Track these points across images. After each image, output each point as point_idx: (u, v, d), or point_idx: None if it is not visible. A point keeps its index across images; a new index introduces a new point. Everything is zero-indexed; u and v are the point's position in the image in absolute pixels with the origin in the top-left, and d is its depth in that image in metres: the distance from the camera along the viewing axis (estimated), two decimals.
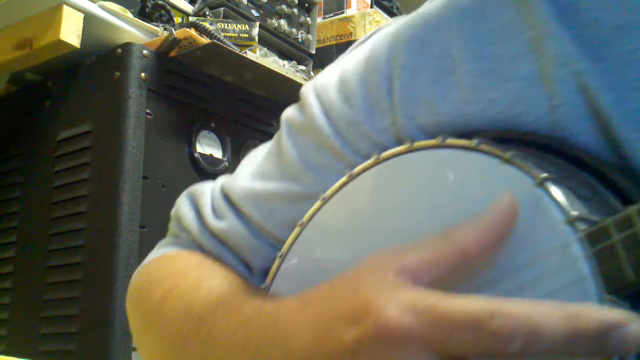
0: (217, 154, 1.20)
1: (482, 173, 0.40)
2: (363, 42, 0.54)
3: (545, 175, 0.35)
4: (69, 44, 1.05)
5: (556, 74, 0.41)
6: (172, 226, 0.61)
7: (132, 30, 1.13)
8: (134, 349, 0.97)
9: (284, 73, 1.27)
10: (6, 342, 1.12)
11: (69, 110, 1.14)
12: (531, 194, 0.35)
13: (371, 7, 1.79)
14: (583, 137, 0.40)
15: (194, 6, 1.30)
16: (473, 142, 0.40)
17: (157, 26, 1.17)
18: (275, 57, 1.38)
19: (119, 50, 1.08)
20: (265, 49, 1.37)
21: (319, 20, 1.68)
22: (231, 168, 1.20)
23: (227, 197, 0.56)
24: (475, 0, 0.47)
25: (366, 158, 0.48)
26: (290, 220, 0.51)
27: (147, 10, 1.21)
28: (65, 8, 1.04)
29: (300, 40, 1.53)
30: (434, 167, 0.43)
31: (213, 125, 1.20)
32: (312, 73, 1.45)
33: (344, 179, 0.48)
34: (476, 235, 0.33)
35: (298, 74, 1.36)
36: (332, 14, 1.74)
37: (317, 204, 0.50)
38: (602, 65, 0.41)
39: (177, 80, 1.15)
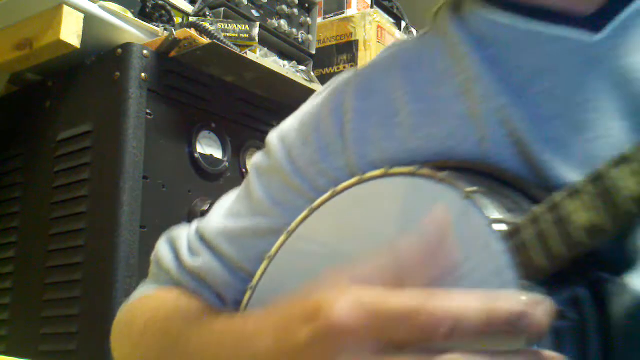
0: (217, 154, 1.20)
1: (420, 192, 0.46)
2: (322, 91, 0.62)
3: (472, 189, 0.42)
4: (69, 44, 1.05)
5: (482, 110, 0.49)
6: (152, 268, 0.66)
7: (132, 30, 1.13)
8: None
9: (284, 73, 1.27)
10: (6, 342, 1.13)
11: (69, 110, 1.14)
12: (460, 205, 0.42)
13: (371, 7, 1.79)
14: (508, 162, 0.47)
15: (194, 6, 1.30)
16: (413, 168, 0.47)
17: (157, 26, 1.17)
18: (275, 57, 1.38)
19: (119, 50, 1.08)
20: (265, 49, 1.37)
21: (319, 20, 1.68)
22: (231, 168, 1.21)
23: (201, 237, 0.62)
24: (415, 52, 0.56)
25: (325, 193, 0.54)
26: (259, 254, 0.57)
27: (147, 10, 1.21)
28: (65, 8, 1.04)
29: (300, 40, 1.53)
30: (381, 193, 0.50)
31: (213, 125, 1.20)
32: (312, 73, 1.45)
33: (305, 212, 0.54)
34: (412, 245, 0.37)
35: (298, 74, 1.36)
36: (332, 14, 1.74)
37: (282, 237, 0.55)
38: (522, 101, 0.48)
39: (177, 80, 1.15)
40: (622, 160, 0.34)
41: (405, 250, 0.37)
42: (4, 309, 1.15)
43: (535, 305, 0.32)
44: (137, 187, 1.03)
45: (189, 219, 1.11)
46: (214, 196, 1.15)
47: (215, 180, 1.18)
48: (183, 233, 0.64)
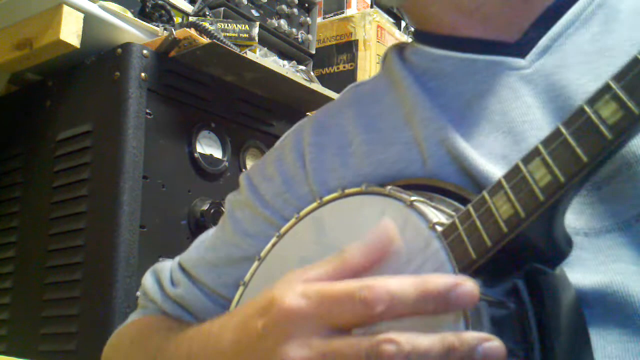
0: (217, 154, 1.20)
1: (370, 206, 0.52)
2: (285, 136, 0.69)
3: (413, 198, 0.46)
4: (69, 44, 1.05)
5: (423, 134, 0.54)
6: (140, 300, 0.73)
7: (132, 30, 1.13)
8: None
9: (284, 73, 1.27)
10: (6, 342, 1.13)
11: (69, 110, 1.14)
12: (404, 213, 0.46)
13: (371, 7, 1.79)
14: (451, 179, 0.52)
15: (194, 6, 1.30)
16: (362, 188, 0.54)
17: (157, 26, 1.17)
18: (275, 57, 1.38)
19: (119, 50, 1.08)
20: (265, 49, 1.37)
21: (319, 20, 1.68)
22: (231, 168, 1.21)
23: (183, 269, 0.69)
24: (366, 91, 0.64)
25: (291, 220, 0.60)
26: (235, 281, 0.63)
27: (147, 10, 1.21)
28: (65, 8, 1.04)
29: (300, 40, 1.53)
30: (338, 212, 0.56)
31: (213, 125, 1.20)
32: (312, 73, 1.45)
33: (273, 239, 0.60)
34: (358, 251, 0.41)
35: (298, 74, 1.36)
36: (332, 14, 1.74)
37: (255, 264, 0.61)
38: (464, 122, 0.54)
39: (177, 80, 1.15)
40: (534, 154, 0.38)
41: (351, 254, 0.41)
42: (4, 309, 1.15)
43: (463, 280, 0.36)
44: (137, 187, 1.03)
45: (189, 219, 1.11)
46: (214, 196, 1.15)
47: (215, 180, 1.18)
48: (166, 266, 0.71)
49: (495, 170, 0.50)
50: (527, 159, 0.38)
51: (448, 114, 0.55)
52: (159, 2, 1.23)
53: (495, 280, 0.40)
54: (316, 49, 1.58)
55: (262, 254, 0.60)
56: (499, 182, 0.39)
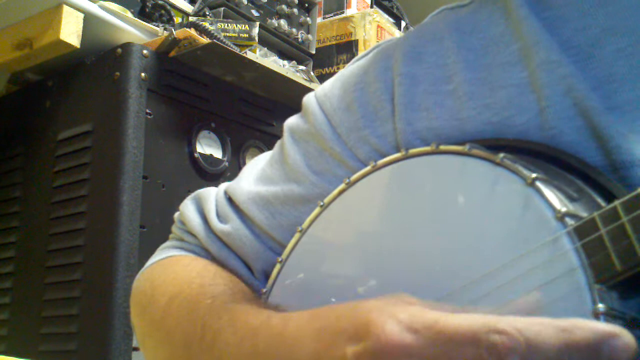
0: (217, 154, 1.20)
1: (475, 176, 0.41)
2: (364, 55, 0.58)
3: (534, 175, 0.37)
4: (69, 44, 1.05)
5: (544, 79, 0.45)
6: (176, 229, 0.62)
7: (132, 30, 1.13)
8: (134, 349, 0.97)
9: (284, 73, 1.27)
10: (6, 342, 1.12)
11: (69, 110, 1.14)
12: (522, 193, 0.37)
13: (371, 7, 1.79)
14: (570, 135, 0.43)
15: (194, 6, 1.30)
16: (465, 148, 0.41)
17: (157, 26, 1.17)
18: (275, 57, 1.38)
19: (119, 50, 1.08)
20: (265, 49, 1.37)
21: (319, 20, 1.68)
22: (231, 168, 1.21)
23: (231, 201, 0.58)
24: (467, 14, 0.52)
25: (365, 163, 0.50)
26: (291, 223, 0.54)
27: (147, 10, 1.21)
28: (65, 8, 1.04)
29: (300, 40, 1.53)
30: (429, 173, 0.45)
31: (213, 125, 1.20)
32: (312, 73, 1.45)
33: (342, 186, 0.50)
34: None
35: (298, 74, 1.36)
36: (332, 14, 1.74)
37: (316, 210, 0.51)
38: (590, 65, 0.44)
39: (177, 80, 1.15)
40: None
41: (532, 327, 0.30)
42: (4, 309, 1.15)
43: (619, 333, 0.29)
44: (137, 187, 1.03)
45: None
46: None
47: (215, 180, 1.18)
48: (211, 195, 0.60)
49: (621, 131, 0.41)
50: None
51: (571, 54, 0.45)
52: (159, 2, 1.23)
53: (632, 292, 0.33)
54: (316, 49, 1.58)
55: (326, 200, 0.50)
56: None
